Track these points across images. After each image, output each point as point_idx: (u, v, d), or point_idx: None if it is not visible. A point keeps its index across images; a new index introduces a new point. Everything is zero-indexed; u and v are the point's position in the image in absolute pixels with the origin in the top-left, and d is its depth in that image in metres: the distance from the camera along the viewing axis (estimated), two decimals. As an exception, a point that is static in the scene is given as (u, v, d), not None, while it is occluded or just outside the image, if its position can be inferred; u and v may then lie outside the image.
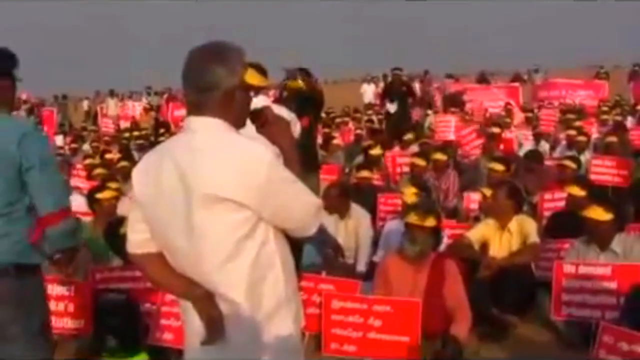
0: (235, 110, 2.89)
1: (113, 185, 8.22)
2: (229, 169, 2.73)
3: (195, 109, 2.85)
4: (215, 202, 2.72)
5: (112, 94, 34.27)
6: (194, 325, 2.90)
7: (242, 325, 2.82)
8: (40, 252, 4.22)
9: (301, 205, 2.90)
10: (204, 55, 2.87)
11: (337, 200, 7.93)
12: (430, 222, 5.85)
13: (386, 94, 17.76)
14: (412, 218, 5.89)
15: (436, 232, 5.98)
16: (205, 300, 2.83)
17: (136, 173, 2.95)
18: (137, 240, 2.96)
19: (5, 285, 4.13)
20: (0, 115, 4.21)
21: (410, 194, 7.66)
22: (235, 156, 2.76)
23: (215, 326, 2.81)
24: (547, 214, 8.52)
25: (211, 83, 2.82)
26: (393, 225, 7.43)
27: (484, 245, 6.96)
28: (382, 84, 29.21)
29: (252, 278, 2.81)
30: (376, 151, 12.33)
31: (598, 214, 6.12)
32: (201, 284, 2.83)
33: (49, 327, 4.44)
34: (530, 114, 18.53)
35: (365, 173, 10.10)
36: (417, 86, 29.96)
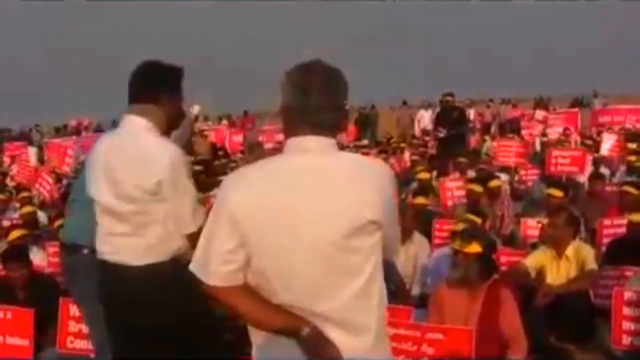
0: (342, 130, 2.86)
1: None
2: (374, 190, 2.65)
3: (315, 128, 2.70)
4: (364, 225, 2.62)
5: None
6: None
7: (367, 356, 2.70)
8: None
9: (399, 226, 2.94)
10: (334, 72, 2.79)
11: (411, 223, 7.95)
12: (473, 248, 5.72)
13: (438, 122, 17.54)
14: (456, 243, 5.82)
15: (483, 259, 5.83)
16: (318, 337, 2.62)
17: (240, 195, 2.66)
18: (227, 271, 2.68)
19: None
20: None
21: (463, 220, 7.56)
22: (374, 177, 2.70)
23: None
24: (606, 240, 8.34)
25: (343, 102, 2.78)
26: (443, 253, 7.32)
27: (541, 273, 6.82)
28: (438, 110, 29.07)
29: (381, 302, 2.74)
30: (424, 175, 12.23)
31: None
32: (307, 318, 2.64)
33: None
34: (589, 141, 18.06)
35: (421, 199, 10.01)
36: (471, 112, 29.80)
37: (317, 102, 2.70)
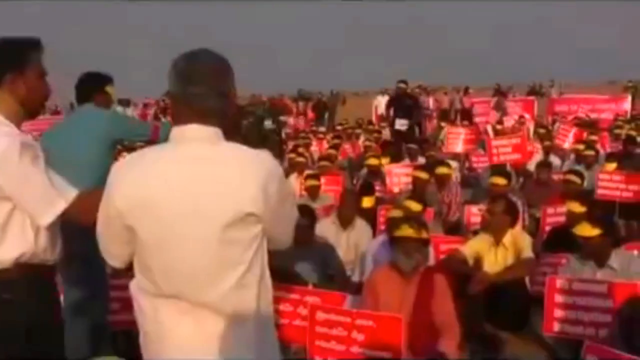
0: (229, 119, 2.80)
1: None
2: (254, 181, 2.62)
3: (199, 116, 2.68)
4: (243, 217, 2.61)
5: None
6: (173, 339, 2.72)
7: (250, 344, 2.73)
8: None
9: (292, 219, 2.92)
10: (220, 60, 2.76)
11: (350, 209, 7.96)
12: (425, 234, 5.73)
13: (391, 107, 17.58)
14: (407, 231, 5.69)
15: (427, 245, 5.87)
16: None
17: (122, 188, 2.67)
18: (128, 254, 2.79)
19: None
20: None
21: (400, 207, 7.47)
22: (256, 168, 2.66)
23: None
24: (548, 228, 8.40)
25: (227, 89, 2.74)
26: (384, 239, 7.26)
27: (478, 260, 6.83)
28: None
29: (260, 291, 2.74)
30: (373, 161, 12.20)
31: (586, 230, 6.00)
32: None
33: None
34: (543, 130, 18.12)
35: (367, 201, 9.31)
36: (430, 100, 29.94)
37: (200, 90, 2.67)
